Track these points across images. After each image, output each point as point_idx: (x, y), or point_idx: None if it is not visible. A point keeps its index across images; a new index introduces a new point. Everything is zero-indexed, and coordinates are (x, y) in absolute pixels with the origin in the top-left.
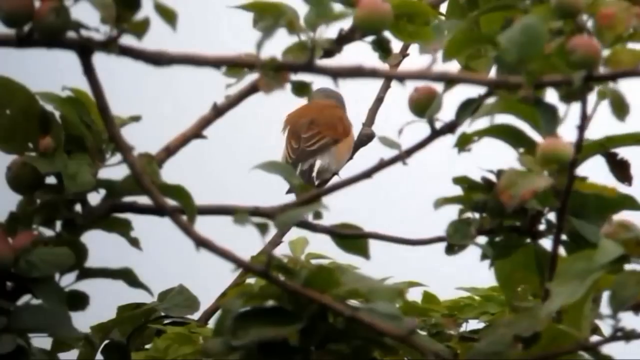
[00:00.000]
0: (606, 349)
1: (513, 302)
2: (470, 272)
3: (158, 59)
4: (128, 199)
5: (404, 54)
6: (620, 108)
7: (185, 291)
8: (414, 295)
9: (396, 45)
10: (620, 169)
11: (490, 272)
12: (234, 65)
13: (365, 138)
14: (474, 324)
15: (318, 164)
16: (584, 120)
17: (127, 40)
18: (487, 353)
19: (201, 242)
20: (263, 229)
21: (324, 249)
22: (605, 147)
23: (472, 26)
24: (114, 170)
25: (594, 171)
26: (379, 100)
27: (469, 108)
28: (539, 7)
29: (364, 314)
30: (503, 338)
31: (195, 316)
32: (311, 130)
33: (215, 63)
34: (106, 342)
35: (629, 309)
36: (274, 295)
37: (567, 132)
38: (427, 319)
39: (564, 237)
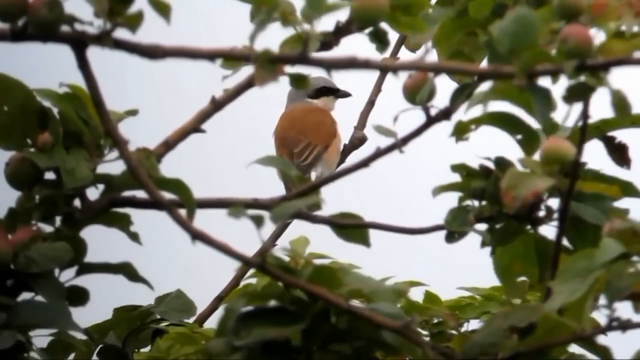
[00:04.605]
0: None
1: (511, 295)
2: (472, 272)
3: (152, 52)
4: (127, 193)
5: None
6: (621, 108)
7: (182, 295)
8: (416, 295)
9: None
10: (619, 153)
11: (492, 272)
12: (228, 58)
13: (358, 141)
14: (475, 324)
15: (313, 176)
16: (585, 120)
17: (123, 34)
18: (483, 344)
19: (197, 235)
20: (259, 221)
21: (325, 249)
22: (602, 130)
23: (460, 13)
24: (112, 165)
25: (592, 157)
26: (371, 104)
27: (463, 94)
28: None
29: (363, 310)
30: (499, 329)
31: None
32: (301, 142)
33: (209, 56)
34: (101, 345)
35: (624, 298)
36: (277, 296)
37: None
38: (429, 319)
39: None
